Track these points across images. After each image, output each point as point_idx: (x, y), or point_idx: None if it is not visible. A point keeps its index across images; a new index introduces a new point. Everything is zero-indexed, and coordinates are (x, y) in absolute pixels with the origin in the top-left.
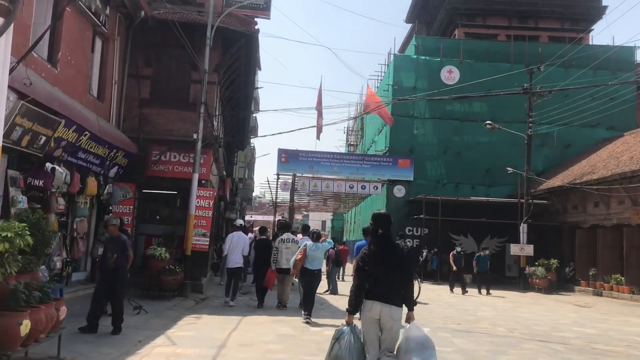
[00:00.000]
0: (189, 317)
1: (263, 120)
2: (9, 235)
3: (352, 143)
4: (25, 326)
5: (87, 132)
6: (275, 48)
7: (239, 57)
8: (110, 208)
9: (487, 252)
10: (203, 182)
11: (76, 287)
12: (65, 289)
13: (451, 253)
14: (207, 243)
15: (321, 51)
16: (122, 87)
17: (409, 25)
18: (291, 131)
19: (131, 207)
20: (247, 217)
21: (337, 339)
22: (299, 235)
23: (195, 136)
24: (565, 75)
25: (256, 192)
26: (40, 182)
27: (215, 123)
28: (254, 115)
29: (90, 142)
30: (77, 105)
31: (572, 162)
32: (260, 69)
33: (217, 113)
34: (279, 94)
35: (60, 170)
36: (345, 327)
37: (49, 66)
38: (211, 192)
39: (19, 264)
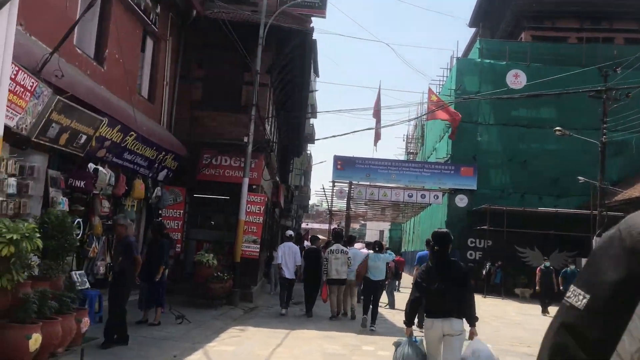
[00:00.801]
0: (233, 328)
1: (319, 128)
2: (15, 237)
3: (411, 151)
4: (35, 340)
5: (132, 133)
6: (330, 49)
7: (293, 58)
8: (160, 212)
9: (574, 267)
10: (254, 187)
11: None
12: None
13: (538, 268)
14: (258, 250)
15: (379, 52)
16: (174, 89)
17: (472, 31)
18: (347, 134)
19: (181, 211)
20: (303, 225)
21: (395, 349)
22: (357, 245)
23: (245, 139)
24: None
25: (313, 201)
26: (82, 183)
27: (267, 126)
28: (311, 122)
29: (137, 143)
30: (123, 104)
31: None
32: (317, 75)
33: (269, 115)
34: (336, 98)
35: (104, 171)
36: (403, 340)
37: (95, 64)
38: (262, 198)
39: (30, 270)
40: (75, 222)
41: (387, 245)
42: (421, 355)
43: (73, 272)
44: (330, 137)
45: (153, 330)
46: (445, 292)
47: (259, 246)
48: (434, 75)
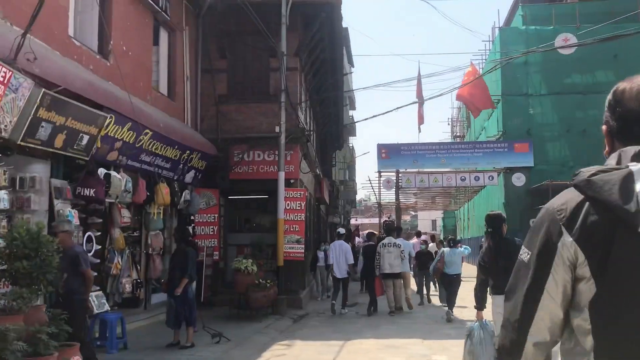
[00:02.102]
0: (279, 344)
1: (360, 118)
2: None
3: (458, 134)
4: None
5: (147, 131)
6: (363, 26)
7: (322, 37)
8: (192, 218)
9: None
10: (292, 181)
11: (155, 310)
12: (144, 314)
13: None
14: (303, 251)
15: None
16: (196, 83)
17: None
18: (389, 111)
19: (216, 215)
20: (352, 221)
21: (468, 335)
22: (415, 239)
23: (277, 129)
24: None
25: (360, 195)
26: (92, 192)
27: (300, 114)
28: (350, 114)
29: (155, 142)
30: (136, 101)
31: None
32: (352, 64)
33: (301, 101)
34: (373, 89)
35: (118, 176)
36: (475, 324)
37: (99, 57)
38: (302, 193)
39: None
40: (86, 236)
41: (442, 235)
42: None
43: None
44: (371, 117)
45: (184, 354)
46: (510, 268)
47: (303, 246)
48: (476, 50)
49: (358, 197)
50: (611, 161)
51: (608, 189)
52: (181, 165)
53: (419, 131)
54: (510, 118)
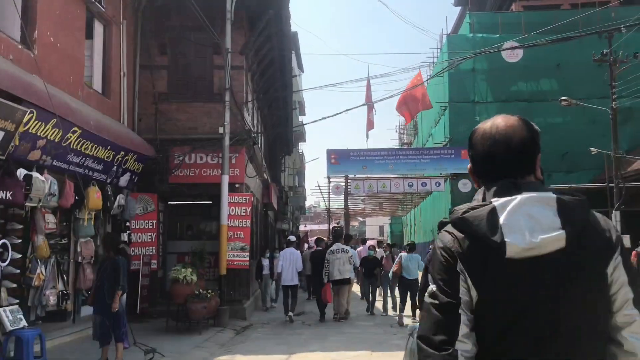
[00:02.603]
0: (219, 358)
1: (309, 126)
2: None
3: (405, 142)
4: None
5: (76, 129)
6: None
7: (269, 35)
8: (128, 224)
9: None
10: (237, 186)
11: (85, 324)
12: (71, 328)
13: (635, 251)
14: (248, 259)
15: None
16: (134, 80)
17: (459, 9)
18: (338, 113)
19: (154, 221)
20: (302, 227)
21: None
22: (360, 247)
23: (221, 130)
24: None
25: (310, 202)
26: (9, 195)
27: (247, 115)
28: (300, 120)
29: (84, 141)
30: (63, 96)
31: None
32: (302, 69)
33: (247, 100)
34: (323, 94)
35: (41, 178)
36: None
37: (20, 47)
38: (247, 198)
39: None
40: (0, 243)
41: (389, 240)
42: None
43: (1, 309)
44: (321, 119)
45: None
46: None
47: (248, 254)
48: (424, 57)
49: (307, 204)
50: (478, 197)
51: (477, 224)
52: (115, 167)
53: (367, 137)
54: (457, 125)
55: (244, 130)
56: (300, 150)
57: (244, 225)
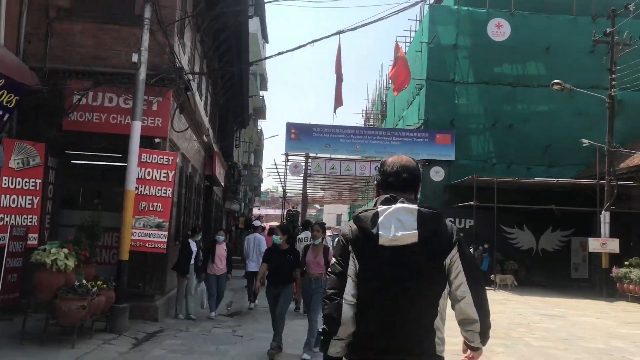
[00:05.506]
0: None
1: (272, 102)
2: None
3: (371, 125)
4: None
5: None
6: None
7: None
8: None
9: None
10: (156, 140)
11: None
12: None
13: None
14: (165, 240)
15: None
16: None
17: None
18: (301, 46)
19: (39, 180)
20: (255, 210)
21: None
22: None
23: (135, 58)
24: None
25: (267, 186)
26: None
27: (180, 49)
28: (261, 95)
29: None
30: None
31: None
32: (267, 40)
33: (183, 25)
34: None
35: None
36: None
37: None
38: (171, 158)
39: None
40: None
41: None
42: None
43: None
44: (277, 54)
45: None
46: None
47: (166, 233)
48: (401, 30)
49: (264, 187)
50: (372, 203)
51: (365, 221)
52: None
53: (335, 113)
54: (434, 105)
55: (173, 67)
56: (259, 127)
57: (163, 195)
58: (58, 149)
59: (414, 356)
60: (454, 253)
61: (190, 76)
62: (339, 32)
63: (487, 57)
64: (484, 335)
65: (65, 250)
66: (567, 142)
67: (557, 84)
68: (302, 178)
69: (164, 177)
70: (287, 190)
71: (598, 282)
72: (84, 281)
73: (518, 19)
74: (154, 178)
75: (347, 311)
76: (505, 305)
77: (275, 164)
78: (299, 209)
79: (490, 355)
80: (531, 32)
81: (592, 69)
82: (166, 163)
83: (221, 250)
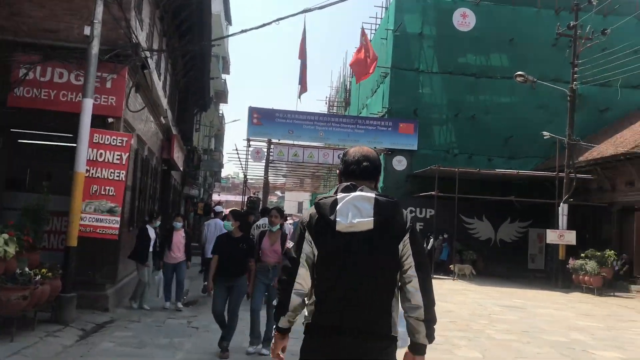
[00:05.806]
0: None
1: (235, 86)
2: None
3: (334, 113)
4: None
5: None
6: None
7: None
8: None
9: None
10: (110, 120)
11: None
12: None
13: None
14: (117, 225)
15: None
16: None
17: None
18: (265, 24)
19: None
20: (215, 196)
21: None
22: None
23: (87, 31)
24: (603, 24)
25: (228, 172)
26: None
27: (137, 24)
28: (223, 78)
29: None
30: None
31: (614, 129)
32: (230, 22)
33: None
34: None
35: None
36: None
37: None
38: (125, 139)
39: None
40: None
41: None
42: None
43: None
44: (240, 31)
45: None
46: None
47: (118, 219)
48: (367, 17)
49: (225, 173)
50: (332, 191)
51: (324, 208)
52: None
53: (299, 99)
54: (398, 94)
55: (129, 42)
56: (220, 111)
57: (116, 178)
58: (2, 126)
59: (371, 335)
60: (406, 238)
61: (148, 53)
62: (305, 11)
63: (451, 47)
64: (429, 327)
65: (5, 236)
66: (528, 134)
67: (520, 75)
68: (263, 164)
69: (117, 159)
70: (248, 177)
71: (554, 273)
72: (27, 269)
73: (483, 9)
74: (106, 160)
75: (295, 299)
76: (466, 295)
77: (237, 150)
78: (260, 196)
79: (452, 348)
80: (496, 23)
81: (555, 62)
82: (120, 144)
83: (179, 237)
